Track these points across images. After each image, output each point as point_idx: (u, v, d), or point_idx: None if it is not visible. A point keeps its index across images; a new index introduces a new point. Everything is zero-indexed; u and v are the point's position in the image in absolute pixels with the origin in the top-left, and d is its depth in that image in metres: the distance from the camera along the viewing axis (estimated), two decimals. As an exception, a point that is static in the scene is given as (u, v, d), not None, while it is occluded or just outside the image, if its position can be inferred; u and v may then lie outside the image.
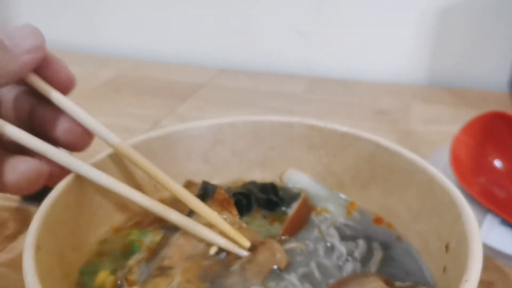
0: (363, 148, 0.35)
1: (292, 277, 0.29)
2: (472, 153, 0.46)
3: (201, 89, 0.74)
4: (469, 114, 0.47)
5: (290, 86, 0.76)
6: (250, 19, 0.82)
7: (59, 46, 0.85)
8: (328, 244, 0.32)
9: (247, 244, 0.30)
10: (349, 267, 0.30)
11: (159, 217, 0.30)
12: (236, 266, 0.29)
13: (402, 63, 0.79)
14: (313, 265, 0.30)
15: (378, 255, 0.31)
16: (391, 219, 0.34)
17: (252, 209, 0.35)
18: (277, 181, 0.38)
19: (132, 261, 0.30)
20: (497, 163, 0.46)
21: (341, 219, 0.34)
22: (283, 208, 0.35)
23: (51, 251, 0.27)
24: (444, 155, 0.46)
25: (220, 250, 0.30)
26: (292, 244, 0.31)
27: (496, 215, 0.41)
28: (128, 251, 0.31)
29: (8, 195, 0.38)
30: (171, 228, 0.31)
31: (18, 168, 0.28)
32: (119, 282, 0.28)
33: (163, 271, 0.28)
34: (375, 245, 0.32)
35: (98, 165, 0.31)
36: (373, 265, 0.30)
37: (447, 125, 0.58)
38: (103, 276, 0.29)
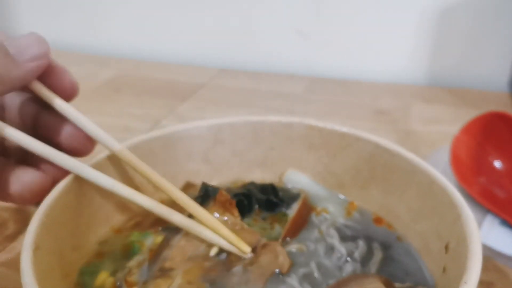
0: (363, 148, 0.35)
1: (293, 280, 0.29)
2: (472, 153, 0.46)
3: (201, 89, 0.74)
4: (469, 114, 0.47)
5: (290, 86, 0.76)
6: (250, 19, 0.82)
7: (59, 46, 0.85)
8: (328, 244, 0.32)
9: (248, 249, 0.30)
10: (349, 268, 0.30)
11: (160, 218, 0.30)
12: (238, 268, 0.29)
13: (402, 63, 0.79)
14: (313, 265, 0.30)
15: (378, 255, 0.31)
16: (391, 219, 0.34)
17: (253, 210, 0.35)
18: (276, 181, 0.38)
19: (132, 263, 0.30)
20: (497, 163, 0.46)
21: (341, 219, 0.34)
22: (283, 209, 0.35)
23: (50, 251, 0.27)
24: (444, 155, 0.46)
25: (221, 250, 0.30)
26: (294, 246, 0.31)
27: (496, 215, 0.41)
28: (128, 252, 0.31)
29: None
30: (172, 230, 0.31)
31: (23, 179, 0.28)
32: (118, 283, 0.28)
33: (164, 272, 0.28)
34: (375, 245, 0.32)
35: (99, 166, 0.31)
36: (373, 266, 0.30)
37: (447, 125, 0.58)
38: (103, 277, 0.29)
